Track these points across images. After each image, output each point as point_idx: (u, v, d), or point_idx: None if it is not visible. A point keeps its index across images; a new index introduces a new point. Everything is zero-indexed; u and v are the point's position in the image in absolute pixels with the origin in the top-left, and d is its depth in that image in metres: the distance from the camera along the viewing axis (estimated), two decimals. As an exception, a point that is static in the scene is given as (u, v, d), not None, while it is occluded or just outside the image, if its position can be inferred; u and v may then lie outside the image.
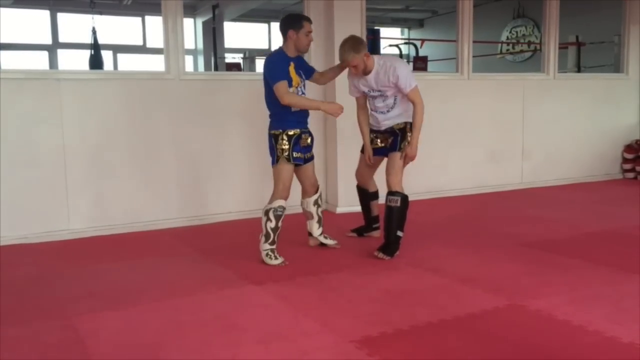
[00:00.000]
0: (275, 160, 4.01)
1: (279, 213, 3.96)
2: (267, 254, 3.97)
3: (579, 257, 3.95)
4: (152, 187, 5.17)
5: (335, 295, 3.33)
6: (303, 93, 4.07)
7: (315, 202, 4.31)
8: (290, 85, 3.91)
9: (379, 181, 4.47)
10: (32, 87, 4.72)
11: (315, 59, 5.42)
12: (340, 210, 5.64)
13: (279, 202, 3.98)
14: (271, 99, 3.99)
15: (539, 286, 3.39)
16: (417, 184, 6.10)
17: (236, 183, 5.50)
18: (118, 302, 3.27)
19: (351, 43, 4.00)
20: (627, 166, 7.47)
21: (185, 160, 5.28)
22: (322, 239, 4.36)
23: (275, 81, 3.86)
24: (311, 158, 4.23)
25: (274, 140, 4.01)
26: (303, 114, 4.07)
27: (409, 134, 4.11)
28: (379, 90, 4.12)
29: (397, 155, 4.13)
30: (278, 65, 3.94)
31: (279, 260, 3.95)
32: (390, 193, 4.08)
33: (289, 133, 3.99)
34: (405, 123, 4.15)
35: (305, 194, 4.32)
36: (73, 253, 4.47)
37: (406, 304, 3.15)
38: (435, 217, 5.37)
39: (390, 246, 4.05)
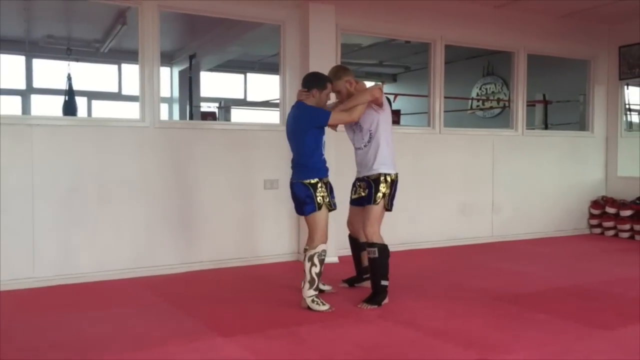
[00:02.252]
0: (317, 207, 4.06)
1: (323, 257, 4.06)
2: (312, 300, 4.00)
3: (549, 312, 3.98)
4: (122, 235, 5.10)
5: (305, 348, 3.29)
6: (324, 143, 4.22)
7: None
8: (323, 133, 4.14)
9: None
10: (3, 132, 4.67)
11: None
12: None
13: (323, 247, 4.06)
14: (302, 149, 4.11)
15: (509, 341, 3.39)
16: (388, 236, 6.08)
17: (209, 232, 5.45)
18: (82, 355, 3.18)
19: (333, 71, 4.34)
20: (594, 222, 7.62)
21: (157, 209, 5.24)
22: (321, 286, 4.34)
23: (326, 117, 4.05)
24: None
25: (311, 189, 4.05)
26: (327, 164, 4.21)
27: (380, 185, 4.18)
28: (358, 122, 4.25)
29: (372, 207, 4.19)
30: (314, 108, 4.12)
31: (327, 307, 3.98)
32: (369, 245, 4.16)
33: (324, 181, 4.13)
34: (379, 174, 4.21)
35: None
36: (38, 302, 4.35)
37: (377, 359, 3.12)
38: (407, 270, 5.38)
39: (376, 296, 4.11)
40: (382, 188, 4.20)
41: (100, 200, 5.01)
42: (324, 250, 4.07)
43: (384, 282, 4.13)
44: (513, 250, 6.49)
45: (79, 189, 4.93)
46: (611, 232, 7.41)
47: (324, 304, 3.99)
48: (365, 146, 4.28)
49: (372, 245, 4.14)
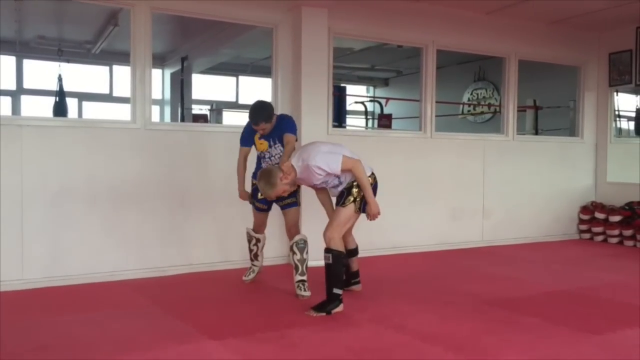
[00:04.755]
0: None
1: (248, 237, 4.92)
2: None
3: (538, 316, 3.99)
4: (112, 236, 5.08)
5: (295, 352, 3.28)
6: (272, 156, 4.50)
7: (290, 248, 4.46)
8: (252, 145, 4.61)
9: (362, 235, 4.65)
10: (-7, 132, 4.65)
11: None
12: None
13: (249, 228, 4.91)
14: None
15: (499, 345, 3.40)
16: (379, 240, 6.14)
17: (199, 235, 5.44)
18: (71, 357, 3.16)
19: (264, 181, 3.99)
20: (584, 227, 7.66)
21: (147, 211, 5.22)
22: (295, 287, 4.40)
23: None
24: (287, 206, 4.54)
25: None
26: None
27: (353, 189, 4.11)
28: (319, 182, 4.17)
29: (339, 209, 4.12)
30: (244, 130, 4.63)
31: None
32: (325, 250, 4.04)
33: (253, 182, 4.65)
34: (353, 181, 4.13)
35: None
36: (26, 304, 4.32)
37: (367, 362, 3.12)
38: (397, 274, 5.39)
39: (327, 304, 4.01)
40: (355, 192, 4.10)
41: (90, 202, 4.99)
42: (248, 233, 4.91)
43: (337, 291, 4.00)
44: (503, 255, 6.51)
45: (68, 191, 4.91)
46: (600, 238, 7.45)
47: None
48: (339, 185, 4.19)
49: (329, 250, 4.01)
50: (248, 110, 4.42)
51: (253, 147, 4.62)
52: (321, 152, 4.04)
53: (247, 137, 4.58)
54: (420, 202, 6.59)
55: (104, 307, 4.24)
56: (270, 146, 4.47)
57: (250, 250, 4.92)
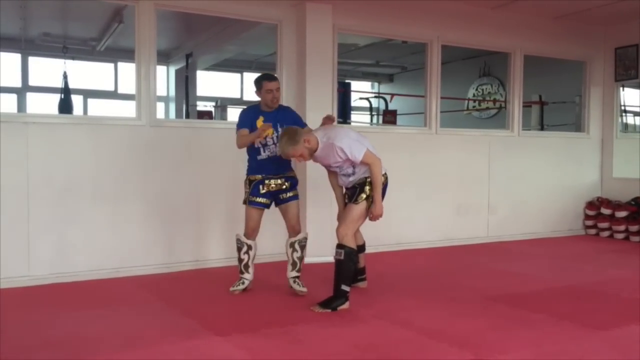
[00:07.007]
0: (243, 202, 4.48)
1: (239, 245, 4.49)
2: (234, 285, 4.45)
3: (544, 312, 3.98)
4: (118, 233, 5.09)
5: (300, 348, 3.28)
6: (266, 145, 4.33)
7: (291, 245, 4.41)
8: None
9: (367, 231, 4.60)
10: (-1, 129, 4.67)
11: (286, 110, 5.48)
12: (308, 260, 5.60)
13: (239, 234, 4.49)
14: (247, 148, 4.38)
15: (504, 341, 3.40)
16: (384, 236, 6.13)
17: (204, 231, 5.45)
18: (75, 353, 3.17)
19: (287, 137, 4.00)
20: (589, 222, 7.63)
21: (152, 207, 5.23)
22: (291, 282, 4.39)
23: (236, 130, 4.34)
24: (290, 199, 4.43)
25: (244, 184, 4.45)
26: (269, 163, 4.32)
27: (366, 187, 4.12)
28: (336, 164, 4.16)
29: (352, 206, 4.13)
30: (242, 115, 4.40)
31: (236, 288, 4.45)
32: (337, 246, 4.06)
33: (250, 179, 4.41)
34: (365, 177, 4.14)
35: (288, 234, 4.49)
36: (32, 300, 4.34)
37: (372, 358, 3.12)
38: (403, 269, 5.38)
39: (333, 300, 4.01)
40: (367, 190, 4.11)
41: (95, 198, 5.00)
42: (239, 240, 4.48)
43: (344, 287, 4.01)
44: (508, 251, 6.50)
45: (74, 187, 4.92)
46: (606, 233, 7.43)
47: (237, 285, 4.44)
48: (352, 174, 4.19)
49: (341, 247, 4.03)
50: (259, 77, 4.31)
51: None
52: (349, 137, 4.09)
53: (247, 120, 4.31)
54: (426, 198, 6.58)
55: (109, 304, 4.25)
56: (276, 130, 4.26)
57: (240, 260, 4.45)
